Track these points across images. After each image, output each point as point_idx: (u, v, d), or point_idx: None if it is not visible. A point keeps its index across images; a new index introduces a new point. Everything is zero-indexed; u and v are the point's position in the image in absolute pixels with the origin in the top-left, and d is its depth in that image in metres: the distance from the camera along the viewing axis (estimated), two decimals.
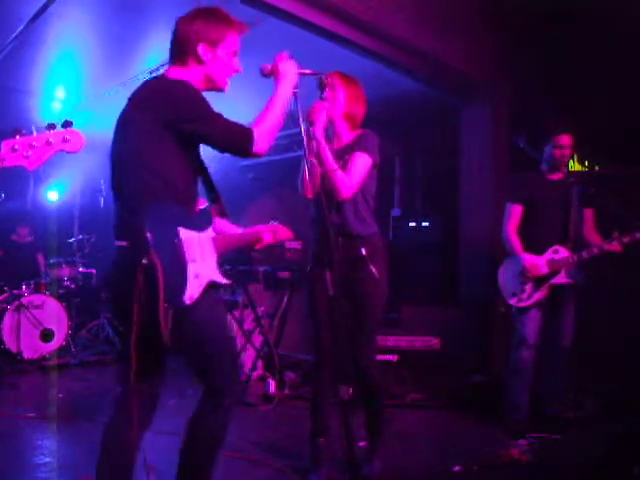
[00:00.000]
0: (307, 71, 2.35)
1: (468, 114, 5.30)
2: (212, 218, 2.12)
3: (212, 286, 1.96)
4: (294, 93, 2.20)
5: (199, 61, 2.07)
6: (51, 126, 1.84)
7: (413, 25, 4.29)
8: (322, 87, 2.80)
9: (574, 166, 4.52)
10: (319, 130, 2.72)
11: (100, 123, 6.76)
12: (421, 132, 6.21)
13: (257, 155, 2.02)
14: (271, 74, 2.23)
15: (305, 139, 2.31)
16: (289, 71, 2.19)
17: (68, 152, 1.84)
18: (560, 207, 3.64)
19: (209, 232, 2.05)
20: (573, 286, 3.60)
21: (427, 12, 4.40)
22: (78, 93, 6.02)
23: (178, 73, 2.06)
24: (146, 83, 2.06)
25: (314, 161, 2.66)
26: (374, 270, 2.81)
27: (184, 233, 1.91)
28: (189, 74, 2.06)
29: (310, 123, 2.71)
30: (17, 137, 1.79)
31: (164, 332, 1.79)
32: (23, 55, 4.91)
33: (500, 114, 5.19)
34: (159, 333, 1.80)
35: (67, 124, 1.86)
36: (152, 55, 4.89)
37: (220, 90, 2.16)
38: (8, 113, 6.42)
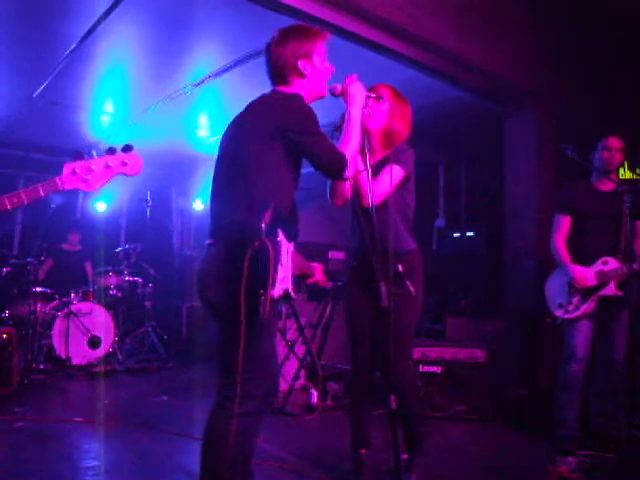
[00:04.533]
0: (373, 95, 2.46)
1: (513, 122, 5.22)
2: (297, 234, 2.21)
3: (284, 296, 2.02)
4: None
5: (301, 76, 2.22)
6: (111, 150, 1.92)
7: (457, 33, 4.26)
8: (368, 97, 2.79)
9: (625, 174, 4.40)
10: None
11: (147, 136, 6.95)
12: (465, 141, 6.14)
13: (347, 179, 2.20)
14: (341, 95, 2.33)
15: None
16: (358, 94, 2.31)
17: (127, 175, 1.94)
18: (610, 219, 3.53)
19: (292, 246, 2.11)
20: (624, 298, 3.48)
21: (471, 20, 4.35)
22: (126, 107, 6.17)
23: (287, 91, 2.20)
24: (263, 95, 2.21)
25: None
26: (411, 287, 2.77)
27: (282, 236, 2.00)
28: (295, 91, 2.20)
29: (338, 129, 2.64)
30: (78, 161, 1.88)
31: (265, 307, 1.84)
32: (73, 71, 5.07)
33: (546, 122, 5.09)
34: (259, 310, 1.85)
35: (127, 148, 1.94)
36: (197, 68, 4.99)
37: (322, 96, 2.31)
38: (59, 128, 6.65)
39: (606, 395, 3.61)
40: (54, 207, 6.05)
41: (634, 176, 4.42)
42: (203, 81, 5.16)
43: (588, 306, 3.48)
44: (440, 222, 6.53)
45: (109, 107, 6.16)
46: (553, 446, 3.50)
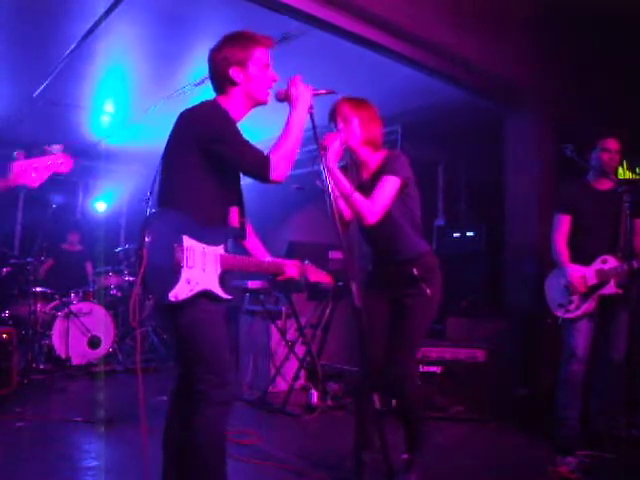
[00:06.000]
0: (322, 91, 2.35)
1: (512, 122, 5.21)
2: (229, 237, 2.27)
3: (207, 295, 2.10)
4: (310, 114, 2.26)
5: (234, 84, 2.22)
6: (47, 151, 2.18)
7: (456, 33, 4.25)
8: (332, 119, 2.78)
9: (624, 174, 4.40)
10: (331, 157, 2.67)
11: (145, 136, 6.95)
12: (465, 141, 6.13)
13: (275, 182, 2.13)
14: (285, 99, 2.28)
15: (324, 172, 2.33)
16: (302, 95, 2.24)
17: (60, 173, 2.19)
18: (609, 218, 3.54)
19: (219, 248, 2.18)
20: (624, 297, 3.48)
21: (470, 20, 4.35)
22: (126, 107, 6.17)
23: (222, 101, 2.24)
24: (195, 104, 2.24)
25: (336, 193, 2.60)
26: (427, 290, 2.77)
27: (188, 241, 2.07)
28: (231, 99, 2.25)
29: (323, 148, 2.61)
30: (24, 160, 2.13)
31: (130, 312, 2.04)
32: (73, 71, 5.07)
33: (546, 122, 5.09)
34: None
35: (57, 149, 2.19)
36: (197, 68, 4.99)
37: (263, 103, 2.29)
38: (59, 128, 6.65)
39: (606, 395, 3.61)
40: (54, 207, 6.05)
41: (634, 176, 4.42)
42: (203, 81, 5.16)
43: (589, 305, 3.49)
44: (440, 222, 6.52)
45: (109, 107, 6.15)
46: (553, 446, 3.51)
